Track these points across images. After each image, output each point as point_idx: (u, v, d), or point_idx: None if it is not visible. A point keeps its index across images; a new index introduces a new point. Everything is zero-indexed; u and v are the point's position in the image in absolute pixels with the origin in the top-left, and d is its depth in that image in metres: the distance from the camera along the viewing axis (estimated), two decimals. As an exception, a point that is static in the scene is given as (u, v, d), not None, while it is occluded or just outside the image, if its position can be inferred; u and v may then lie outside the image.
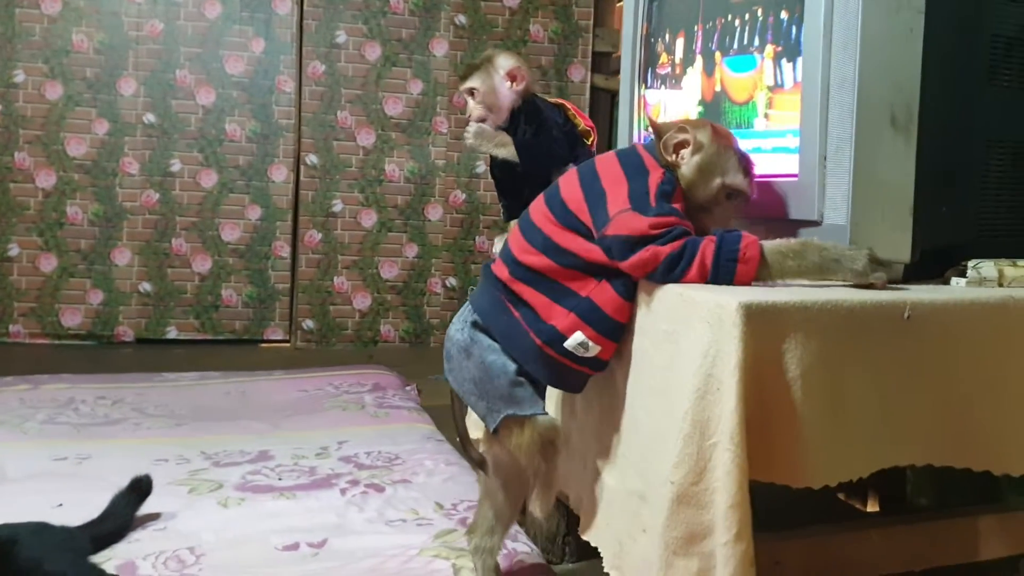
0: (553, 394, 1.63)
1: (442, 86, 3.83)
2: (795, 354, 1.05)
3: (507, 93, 1.68)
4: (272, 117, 3.72)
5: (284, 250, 3.76)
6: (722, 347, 1.04)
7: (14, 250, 3.53)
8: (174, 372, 2.95)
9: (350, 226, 3.80)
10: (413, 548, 1.58)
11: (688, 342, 1.11)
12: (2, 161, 3.50)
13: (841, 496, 1.97)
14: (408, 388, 2.85)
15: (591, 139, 1.79)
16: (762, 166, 1.35)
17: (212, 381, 2.86)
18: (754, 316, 1.02)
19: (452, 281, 3.90)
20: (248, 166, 3.72)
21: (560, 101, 1.81)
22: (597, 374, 1.24)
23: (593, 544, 1.42)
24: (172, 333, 3.67)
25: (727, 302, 1.03)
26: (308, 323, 3.77)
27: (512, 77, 1.69)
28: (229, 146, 3.69)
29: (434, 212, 3.87)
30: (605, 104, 4.03)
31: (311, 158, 3.76)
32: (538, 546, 1.66)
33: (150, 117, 3.62)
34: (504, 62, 1.69)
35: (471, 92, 1.70)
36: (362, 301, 3.82)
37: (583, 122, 1.79)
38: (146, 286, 3.65)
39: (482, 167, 3.90)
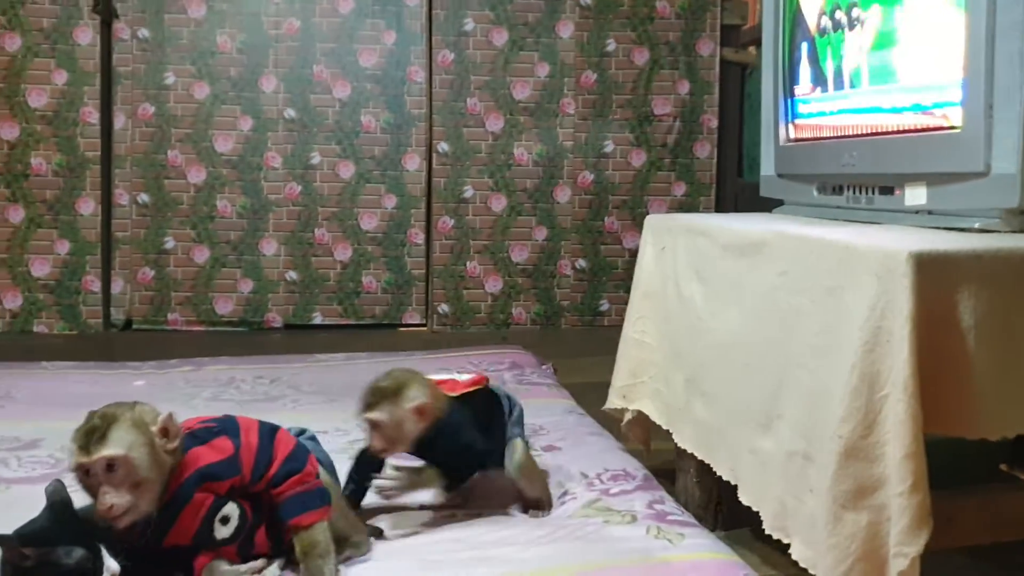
0: (678, 376, 1.64)
1: (569, 68, 3.86)
2: (968, 304, 1.03)
3: (413, 428, 1.51)
4: (404, 107, 3.83)
5: (419, 237, 3.87)
6: (892, 298, 1.03)
7: (170, 243, 3.75)
8: (323, 354, 3.07)
9: (481, 211, 3.87)
10: (566, 510, 1.61)
11: (853, 296, 1.10)
12: (156, 159, 3.72)
13: (1004, 467, 1.90)
14: (544, 367, 2.88)
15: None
16: (922, 120, 1.32)
17: (359, 361, 2.97)
18: (925, 265, 1.01)
19: (582, 263, 3.92)
20: (383, 156, 3.83)
21: (467, 388, 1.62)
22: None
23: (754, 508, 1.42)
24: (317, 319, 3.82)
25: (896, 252, 1.02)
26: (443, 307, 3.87)
27: (419, 412, 1.50)
28: (365, 137, 3.82)
29: (563, 194, 3.90)
30: (735, 77, 3.97)
31: (442, 146, 3.84)
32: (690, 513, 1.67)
33: (290, 112, 3.77)
34: (414, 395, 1.51)
35: (374, 425, 1.50)
36: (494, 285, 3.89)
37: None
38: (292, 274, 3.81)
39: (610, 146, 3.90)
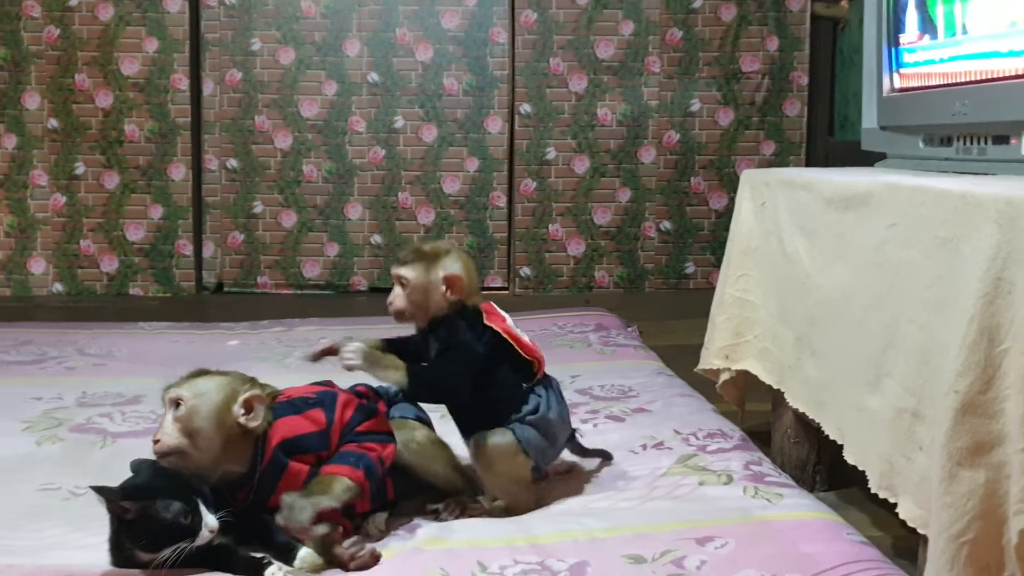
0: (788, 334, 1.60)
1: (654, 25, 3.78)
2: (1100, 252, 0.97)
3: (438, 299, 1.43)
4: (487, 69, 3.80)
5: (501, 200, 3.86)
6: (1015, 248, 0.98)
7: (258, 207, 3.81)
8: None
9: (563, 173, 3.84)
10: (660, 468, 1.60)
11: (971, 247, 1.05)
12: (244, 125, 3.78)
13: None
14: (630, 329, 2.86)
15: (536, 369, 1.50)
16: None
17: (444, 323, 2.99)
18: (1053, 211, 0.96)
19: (666, 224, 3.87)
20: (465, 119, 3.82)
21: (497, 322, 1.48)
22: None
23: (860, 468, 1.39)
24: (400, 282, 3.85)
25: (1021, 199, 0.97)
26: (525, 270, 3.86)
27: (450, 284, 1.42)
28: (447, 100, 3.81)
29: (647, 155, 3.84)
30: (826, 32, 3.85)
31: (525, 107, 3.81)
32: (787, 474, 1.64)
33: (374, 76, 3.79)
34: (450, 264, 1.44)
35: (402, 281, 1.43)
36: (576, 247, 3.86)
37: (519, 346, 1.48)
38: (376, 238, 3.84)
39: (697, 104, 3.83)
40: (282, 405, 1.33)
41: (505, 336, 1.44)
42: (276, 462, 1.28)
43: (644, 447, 1.71)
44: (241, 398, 1.26)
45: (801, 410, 1.65)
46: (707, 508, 1.43)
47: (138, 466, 1.22)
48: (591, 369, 2.30)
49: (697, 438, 1.74)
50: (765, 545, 1.30)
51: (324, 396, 1.36)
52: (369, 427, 1.34)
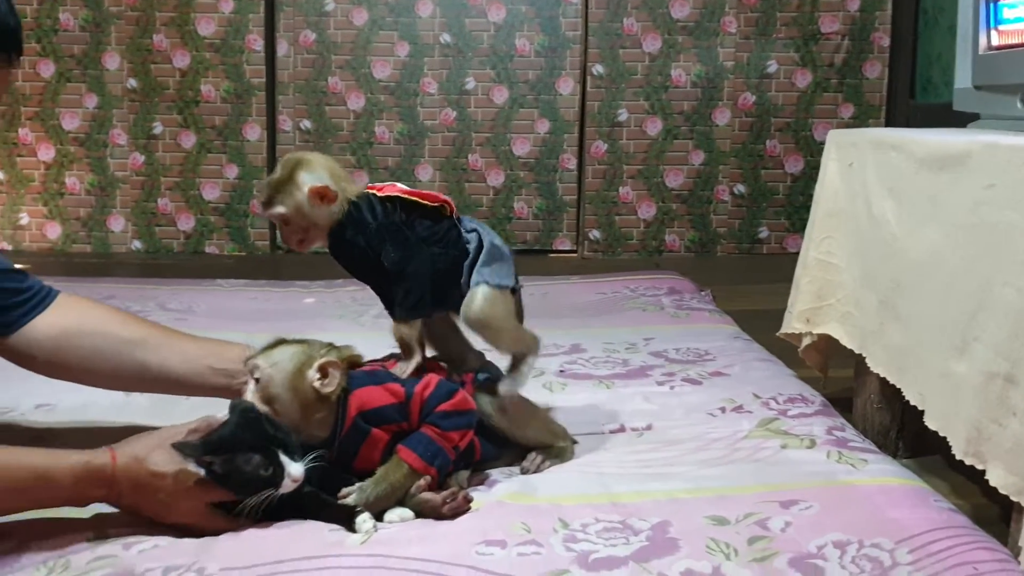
0: (871, 297, 1.56)
1: (731, -16, 3.70)
2: None
3: (321, 213, 1.33)
4: (559, 30, 3.76)
5: (571, 162, 3.83)
6: None
7: (330, 168, 3.84)
8: (478, 277, 3.11)
9: (635, 135, 3.80)
10: (740, 432, 1.58)
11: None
12: (318, 86, 3.80)
13: None
14: (703, 293, 2.83)
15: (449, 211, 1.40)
16: None
17: (515, 284, 2.99)
18: None
19: (740, 188, 3.81)
20: (537, 80, 3.79)
21: (390, 192, 1.38)
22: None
23: (942, 434, 1.36)
24: (469, 244, 3.87)
25: None
26: (594, 233, 3.84)
27: (319, 196, 1.32)
28: (519, 61, 3.78)
29: (722, 116, 3.77)
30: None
31: (597, 68, 3.77)
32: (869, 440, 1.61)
33: (446, 37, 3.78)
34: (307, 178, 1.33)
35: (283, 219, 1.34)
36: (647, 210, 3.83)
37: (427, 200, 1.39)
38: (445, 199, 3.85)
39: (774, 66, 3.74)
40: (362, 375, 1.33)
41: (407, 196, 1.36)
42: (357, 429, 1.29)
43: (723, 410, 1.70)
44: (316, 363, 1.27)
45: (882, 375, 1.61)
46: (790, 472, 1.41)
47: (232, 408, 1.25)
48: (665, 332, 2.28)
49: (777, 402, 1.72)
50: (850, 509, 1.28)
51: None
52: (450, 407, 1.30)
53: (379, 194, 1.37)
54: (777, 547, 1.19)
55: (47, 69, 3.77)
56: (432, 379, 1.33)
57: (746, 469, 1.44)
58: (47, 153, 3.81)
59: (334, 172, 1.36)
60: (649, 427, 1.64)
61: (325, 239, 1.36)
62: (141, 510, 1.19)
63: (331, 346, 1.33)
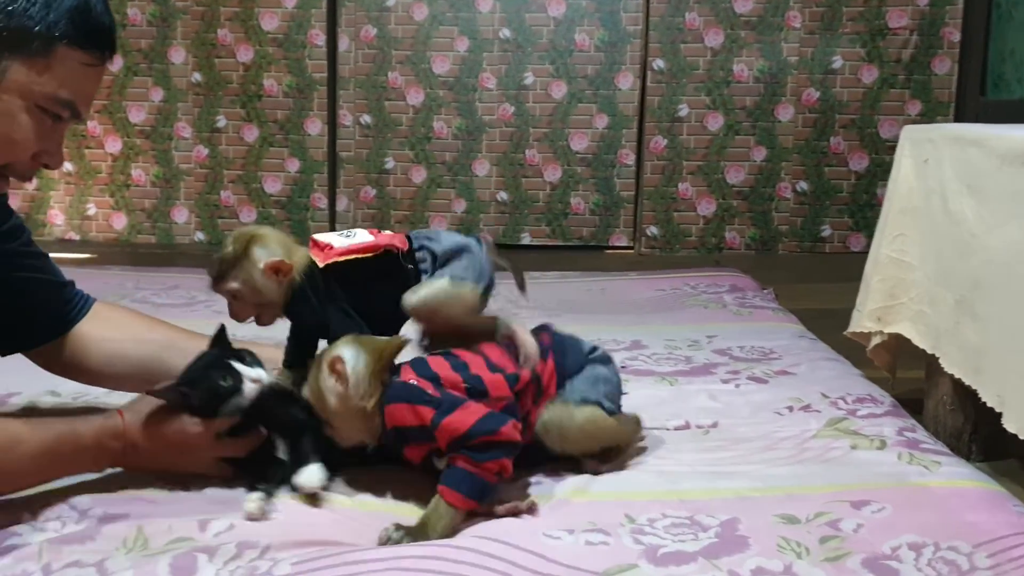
0: (947, 296, 1.52)
1: (796, -22, 3.65)
2: None
3: (274, 289, 1.31)
4: (620, 24, 3.74)
5: (629, 157, 3.81)
6: None
7: (390, 163, 3.87)
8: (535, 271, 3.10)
9: (696, 130, 3.76)
10: (808, 431, 1.55)
11: None
12: (378, 81, 3.83)
13: None
14: (765, 291, 2.79)
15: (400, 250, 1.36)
16: None
17: (572, 279, 2.99)
18: None
19: (803, 185, 3.75)
20: (596, 75, 3.77)
21: (338, 257, 1.34)
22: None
23: (1021, 437, 1.32)
24: (526, 239, 3.87)
25: None
26: (652, 229, 3.81)
27: (275, 270, 1.29)
28: (578, 56, 3.77)
29: (785, 112, 3.72)
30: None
31: (658, 63, 3.74)
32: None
33: (506, 32, 3.77)
34: (262, 253, 1.30)
35: (234, 295, 1.32)
36: (707, 207, 3.79)
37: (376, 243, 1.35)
38: (503, 195, 3.86)
39: (839, 61, 3.68)
40: (399, 387, 1.26)
41: (341, 259, 1.33)
42: (393, 439, 1.27)
43: (790, 409, 1.67)
44: (323, 371, 1.24)
45: (957, 376, 1.57)
46: (861, 472, 1.38)
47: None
48: (728, 330, 2.25)
49: (846, 402, 1.69)
50: (924, 512, 1.25)
51: (445, 399, 1.25)
52: (488, 440, 1.22)
53: (320, 262, 1.33)
54: (850, 547, 1.17)
55: (115, 63, 3.84)
56: (474, 412, 1.23)
57: (815, 469, 1.41)
58: (114, 145, 3.89)
59: (286, 246, 1.34)
60: (715, 425, 1.61)
61: (277, 315, 1.35)
62: (149, 464, 1.26)
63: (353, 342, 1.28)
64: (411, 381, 1.25)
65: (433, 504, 1.20)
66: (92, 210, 3.93)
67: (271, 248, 1.32)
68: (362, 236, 1.35)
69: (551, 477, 1.37)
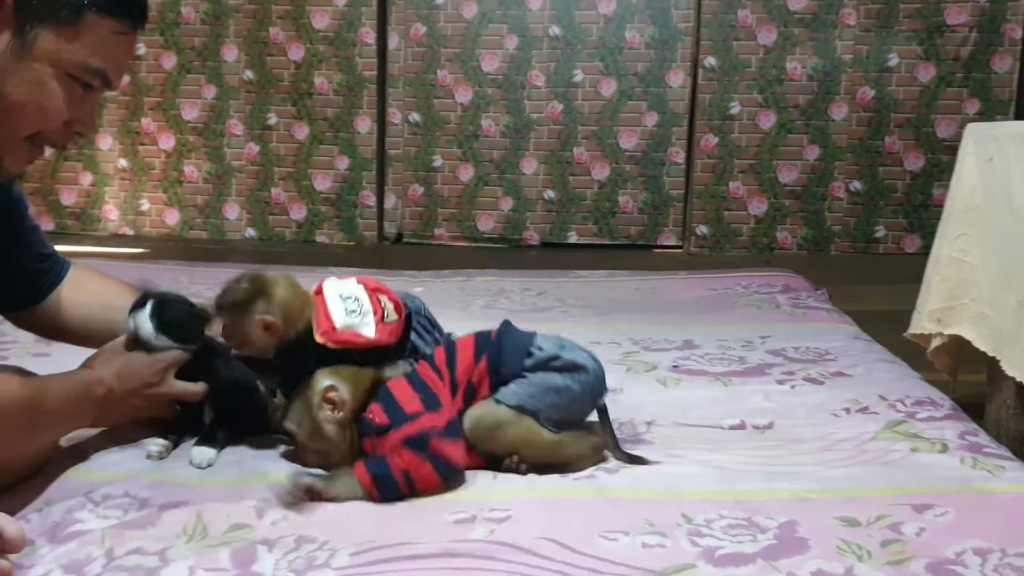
0: (1009, 298, 1.48)
1: (851, -25, 3.59)
2: None
3: (259, 339, 1.37)
4: (671, 22, 3.71)
5: (679, 156, 3.78)
6: None
7: (438, 161, 3.88)
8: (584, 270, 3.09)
9: (747, 128, 3.72)
10: (867, 433, 1.52)
11: None
12: (427, 79, 3.84)
13: None
14: (819, 291, 2.75)
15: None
16: None
17: (621, 278, 2.96)
18: None
19: (856, 185, 3.69)
20: (646, 72, 3.75)
21: (334, 344, 1.37)
22: None
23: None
24: (572, 238, 3.85)
25: None
26: (702, 229, 3.77)
27: (266, 328, 1.36)
28: (628, 53, 3.75)
29: (838, 111, 3.67)
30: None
31: (709, 60, 3.70)
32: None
33: (555, 30, 3.76)
34: (262, 307, 1.36)
35: (224, 328, 1.40)
36: (758, 206, 3.74)
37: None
38: (550, 193, 3.85)
39: (895, 59, 3.61)
40: (382, 391, 1.31)
41: (333, 346, 1.36)
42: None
43: (847, 411, 1.64)
44: (317, 402, 1.28)
45: (1020, 379, 1.54)
46: (922, 475, 1.35)
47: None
48: (782, 331, 2.22)
49: (904, 405, 1.65)
50: (990, 517, 1.22)
51: (428, 399, 1.30)
52: (429, 447, 1.25)
53: (317, 335, 1.36)
54: (913, 551, 1.14)
55: (169, 61, 3.90)
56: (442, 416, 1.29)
57: (875, 471, 1.39)
58: (167, 142, 3.95)
59: (288, 307, 1.37)
60: (771, 425, 1.59)
61: (255, 354, 1.40)
62: (120, 410, 1.31)
63: (334, 372, 1.32)
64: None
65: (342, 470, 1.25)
66: (146, 206, 4.00)
67: (271, 305, 1.37)
68: (367, 321, 1.37)
69: (603, 471, 1.36)
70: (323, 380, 1.29)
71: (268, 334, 1.36)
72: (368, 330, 1.37)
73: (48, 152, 1.20)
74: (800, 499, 1.28)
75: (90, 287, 1.52)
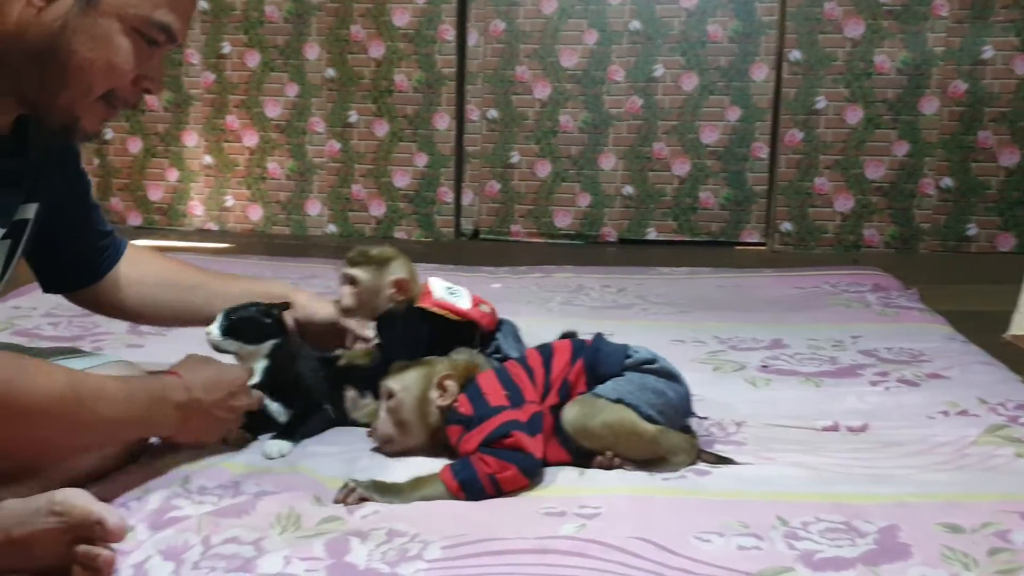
0: None
1: (945, -36, 3.47)
2: None
3: (385, 301, 1.50)
4: (754, 15, 3.64)
5: (763, 151, 3.70)
6: None
7: (515, 157, 3.88)
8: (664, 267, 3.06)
9: (833, 123, 3.63)
10: (967, 437, 1.47)
11: None
12: (505, 75, 3.83)
13: None
14: (910, 291, 2.67)
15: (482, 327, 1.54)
16: None
17: (703, 275, 2.93)
18: None
19: (947, 182, 3.57)
20: (729, 66, 3.68)
21: (432, 307, 1.51)
22: None
23: None
24: (651, 234, 3.81)
25: None
26: (786, 225, 3.70)
27: (398, 286, 1.50)
28: (710, 48, 3.69)
29: (929, 105, 3.55)
30: None
31: (794, 54, 3.62)
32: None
33: (636, 24, 3.72)
34: (397, 269, 1.52)
35: (351, 280, 1.50)
36: (844, 203, 3.65)
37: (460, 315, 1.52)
38: (629, 189, 3.81)
39: (990, 51, 3.48)
40: (471, 384, 1.36)
41: (435, 310, 1.49)
42: None
43: (945, 414, 1.59)
44: (435, 380, 1.34)
45: None
46: (1029, 482, 1.30)
47: None
48: (873, 330, 2.16)
49: (1006, 408, 1.59)
50: (1105, 528, 1.16)
51: (513, 395, 1.34)
52: (508, 442, 1.27)
53: (421, 304, 1.51)
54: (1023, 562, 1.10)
55: (253, 59, 3.97)
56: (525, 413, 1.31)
57: (978, 476, 1.34)
58: (251, 139, 4.03)
59: (415, 278, 1.55)
60: (865, 427, 1.55)
61: (364, 320, 1.54)
62: (203, 422, 1.28)
63: (453, 362, 1.39)
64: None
65: (428, 474, 1.26)
66: (230, 202, 4.08)
67: (405, 271, 1.53)
68: (463, 298, 1.53)
69: (694, 472, 1.34)
70: (443, 369, 1.36)
71: (397, 293, 1.49)
72: (463, 302, 1.51)
73: (120, 111, 1.19)
74: (900, 503, 1.24)
75: (147, 266, 1.55)
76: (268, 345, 1.42)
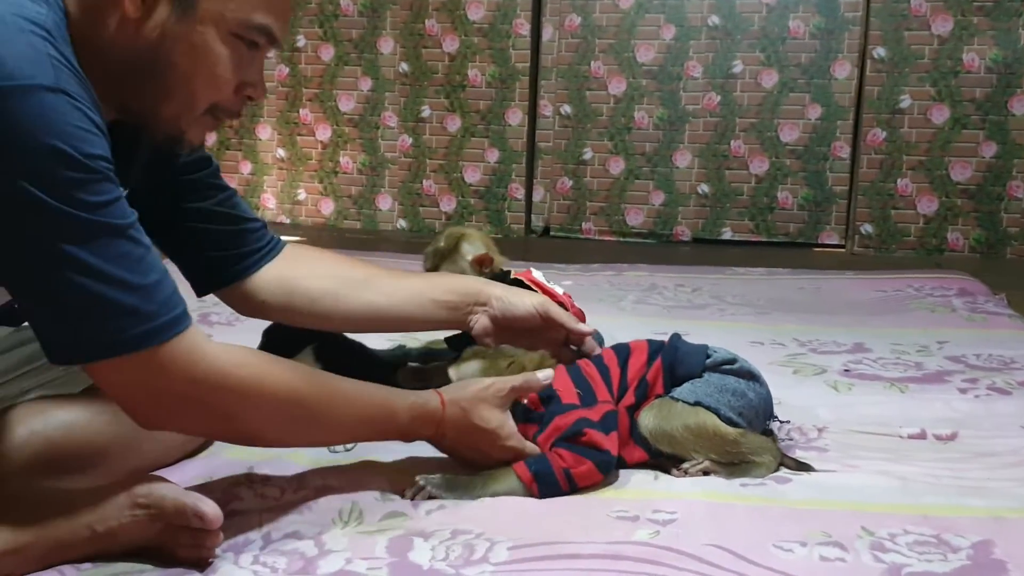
0: None
1: (1042, -44, 3.32)
2: None
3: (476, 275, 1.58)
4: (838, 11, 3.53)
5: (844, 150, 3.59)
6: None
7: (588, 154, 3.83)
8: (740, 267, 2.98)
9: (918, 123, 3.50)
10: (1067, 450, 1.39)
11: None
12: (580, 71, 3.79)
13: None
14: (998, 296, 2.55)
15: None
16: None
17: (781, 276, 2.85)
18: None
19: (1038, 184, 3.42)
20: (810, 63, 3.58)
21: (529, 282, 1.58)
22: None
23: None
24: (727, 234, 3.73)
25: None
26: (866, 227, 3.58)
27: (480, 263, 1.59)
28: (791, 44, 3.59)
29: (1020, 105, 3.40)
30: None
31: (878, 51, 3.50)
32: None
33: (714, 19, 3.65)
34: (469, 248, 1.60)
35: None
36: (928, 205, 3.52)
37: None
38: (704, 187, 3.73)
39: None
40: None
41: (534, 287, 1.53)
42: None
43: (1042, 424, 1.50)
44: (493, 373, 1.32)
45: None
46: None
47: None
48: (961, 336, 2.07)
49: (1108, 420, 1.50)
50: None
51: (585, 394, 1.30)
52: (582, 440, 1.24)
53: (514, 274, 1.60)
54: None
55: (327, 53, 3.99)
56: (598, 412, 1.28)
57: (1080, 492, 1.26)
58: (324, 133, 4.05)
59: (489, 245, 1.63)
60: (954, 436, 1.47)
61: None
62: (458, 454, 1.27)
63: (525, 358, 1.34)
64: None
65: (500, 468, 1.22)
66: (302, 195, 4.11)
67: (476, 245, 1.61)
68: (555, 287, 1.61)
69: (773, 479, 1.28)
70: (505, 362, 1.33)
71: (482, 268, 1.58)
72: (557, 288, 1.59)
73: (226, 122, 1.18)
74: (995, 518, 1.17)
75: (315, 262, 1.42)
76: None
